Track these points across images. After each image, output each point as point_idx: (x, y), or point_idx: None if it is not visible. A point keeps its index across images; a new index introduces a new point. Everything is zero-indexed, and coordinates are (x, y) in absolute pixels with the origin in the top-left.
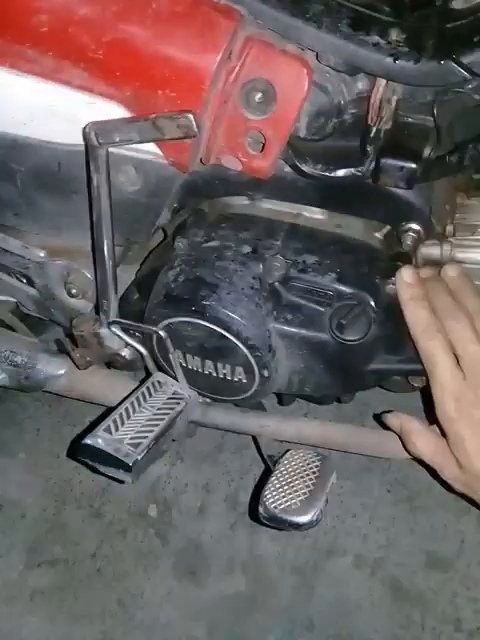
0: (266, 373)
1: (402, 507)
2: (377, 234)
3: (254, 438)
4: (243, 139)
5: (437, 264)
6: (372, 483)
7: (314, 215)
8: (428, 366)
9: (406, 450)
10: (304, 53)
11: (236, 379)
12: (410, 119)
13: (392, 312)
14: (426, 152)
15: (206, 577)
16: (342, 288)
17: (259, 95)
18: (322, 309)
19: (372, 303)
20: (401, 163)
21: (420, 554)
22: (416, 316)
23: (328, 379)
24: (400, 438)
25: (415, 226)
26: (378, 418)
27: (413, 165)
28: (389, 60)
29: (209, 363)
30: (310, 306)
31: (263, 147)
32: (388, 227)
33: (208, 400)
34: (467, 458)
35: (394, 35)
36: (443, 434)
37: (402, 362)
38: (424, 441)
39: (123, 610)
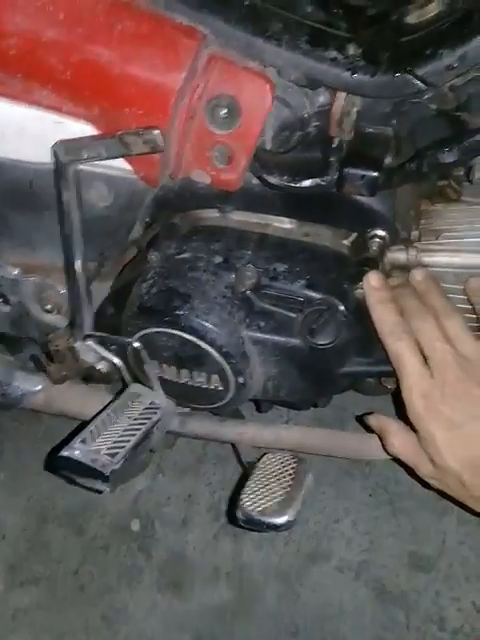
0: (241, 380)
1: (384, 510)
2: (345, 241)
3: (234, 446)
4: (210, 153)
5: (404, 269)
6: (354, 488)
7: (283, 225)
8: (396, 366)
9: (385, 451)
10: (266, 69)
11: (212, 387)
12: (371, 129)
13: (361, 316)
14: (387, 161)
15: (191, 588)
16: (312, 294)
17: (224, 111)
18: (293, 315)
19: (341, 308)
20: (363, 172)
21: (403, 555)
22: (383, 318)
23: (302, 384)
24: (380, 439)
25: (380, 232)
26: (360, 420)
27: (374, 173)
28: (347, 74)
29: (185, 372)
30: (281, 313)
31: (230, 160)
32: (355, 234)
33: (186, 410)
34: (438, 455)
35: (351, 50)
36: (415, 433)
37: (373, 364)
38: (401, 441)
39: (107, 625)
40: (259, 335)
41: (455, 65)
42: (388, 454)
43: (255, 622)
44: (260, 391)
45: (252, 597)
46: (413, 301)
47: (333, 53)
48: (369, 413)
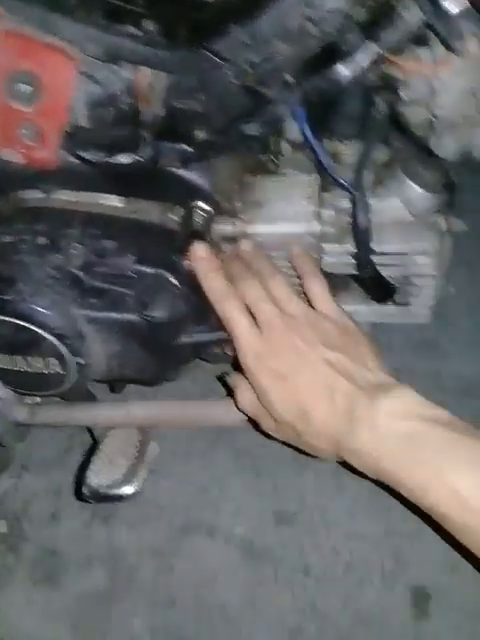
0: (81, 360)
1: (248, 474)
2: (172, 216)
3: (89, 429)
4: (18, 131)
5: (232, 240)
6: (219, 457)
7: (111, 203)
8: (229, 329)
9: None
10: (68, 44)
11: (52, 371)
12: (180, 104)
13: (193, 286)
14: (198, 134)
15: (65, 579)
16: (142, 269)
17: (26, 87)
18: (125, 290)
19: (172, 280)
20: (175, 145)
21: (268, 514)
22: (212, 286)
23: (145, 358)
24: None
25: (202, 205)
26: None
27: (186, 147)
28: (145, 49)
29: (20, 359)
30: (114, 289)
31: (40, 138)
32: (182, 209)
33: (37, 400)
34: (272, 408)
35: (148, 25)
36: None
37: (211, 331)
38: (245, 398)
39: None
40: (93, 313)
41: (248, 42)
42: (238, 414)
43: (132, 602)
44: (105, 371)
45: (128, 578)
46: (240, 267)
47: (130, 28)
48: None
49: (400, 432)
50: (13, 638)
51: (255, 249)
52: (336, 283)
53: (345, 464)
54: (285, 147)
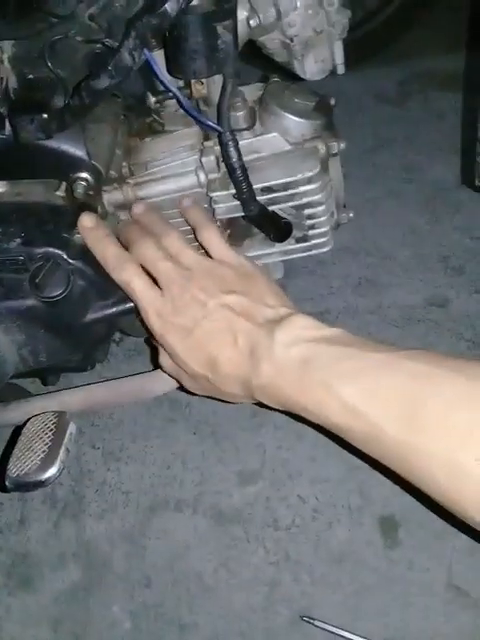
0: None
1: (208, 442)
2: (57, 192)
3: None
4: None
5: (125, 207)
6: (178, 431)
7: None
8: (130, 295)
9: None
10: None
11: None
12: (33, 74)
13: (88, 260)
14: (56, 101)
15: (40, 582)
16: (30, 250)
17: None
18: (19, 276)
19: (64, 256)
20: (30, 116)
21: (232, 477)
22: (105, 254)
23: (56, 342)
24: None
25: (82, 174)
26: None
27: (42, 115)
28: None
29: None
30: (7, 276)
31: None
32: (64, 183)
33: None
34: (184, 364)
35: None
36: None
37: (117, 304)
38: (164, 359)
39: None
40: None
41: None
42: (167, 382)
43: (108, 589)
44: (19, 362)
45: (101, 567)
46: (134, 231)
47: None
48: None
49: (295, 359)
50: None
51: (147, 210)
52: (238, 232)
53: None
54: (151, 100)
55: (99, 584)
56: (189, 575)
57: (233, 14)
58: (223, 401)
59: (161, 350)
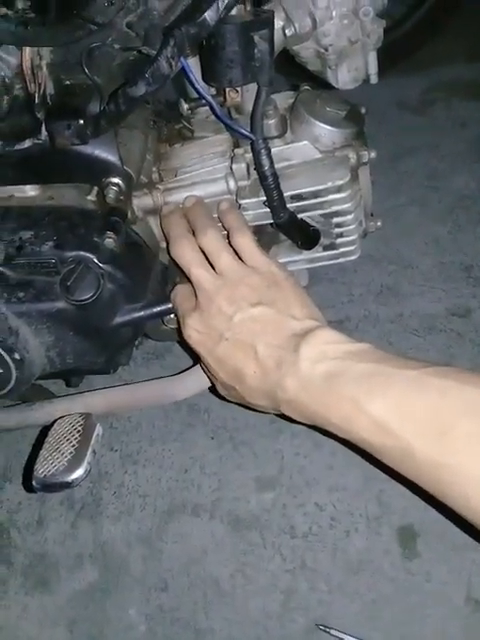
0: (17, 356)
1: (226, 448)
2: (89, 197)
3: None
4: None
5: (154, 212)
6: (196, 436)
7: (26, 193)
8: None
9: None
10: None
11: None
12: (70, 80)
13: (119, 264)
14: (91, 107)
15: (57, 582)
16: (62, 253)
17: None
18: (51, 279)
19: (95, 260)
20: (67, 121)
21: (249, 483)
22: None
23: (83, 345)
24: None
25: (114, 180)
26: None
27: (78, 121)
28: (20, 28)
29: None
30: (39, 279)
31: None
32: (96, 188)
33: None
34: (213, 373)
35: (20, 4)
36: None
37: (145, 308)
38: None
39: None
40: (21, 307)
41: (113, 0)
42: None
43: (125, 591)
44: (47, 363)
45: (118, 569)
46: (175, 225)
47: (2, 9)
48: None
49: (321, 374)
50: None
51: (197, 203)
52: (265, 239)
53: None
54: (184, 107)
55: (116, 586)
56: (206, 580)
57: (270, 24)
58: (252, 409)
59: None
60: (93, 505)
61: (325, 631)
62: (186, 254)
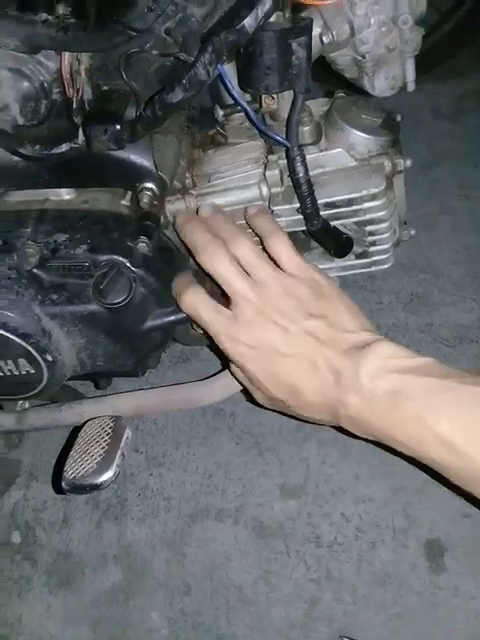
0: (50, 357)
1: (251, 454)
2: (123, 201)
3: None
4: None
5: None
6: (221, 441)
7: (61, 197)
8: (197, 321)
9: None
10: None
11: (23, 372)
12: (107, 85)
13: (151, 268)
14: (128, 112)
15: (81, 582)
16: (96, 257)
17: None
18: (84, 282)
19: (128, 264)
20: (104, 126)
21: (274, 490)
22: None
23: (114, 347)
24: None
25: (148, 185)
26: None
27: (116, 126)
28: (60, 33)
29: None
30: (72, 282)
31: None
32: (130, 192)
33: (25, 405)
34: (262, 388)
35: (61, 9)
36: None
37: (176, 312)
38: (237, 372)
39: None
40: (54, 308)
41: (153, 6)
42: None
43: (148, 593)
44: (77, 365)
45: (142, 572)
46: (200, 234)
47: (43, 15)
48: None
49: (384, 390)
50: None
51: (216, 212)
52: (297, 246)
53: (344, 430)
54: (219, 113)
55: (139, 588)
56: (228, 586)
57: (308, 31)
58: (287, 415)
59: (232, 363)
60: (118, 506)
61: None
62: (222, 265)
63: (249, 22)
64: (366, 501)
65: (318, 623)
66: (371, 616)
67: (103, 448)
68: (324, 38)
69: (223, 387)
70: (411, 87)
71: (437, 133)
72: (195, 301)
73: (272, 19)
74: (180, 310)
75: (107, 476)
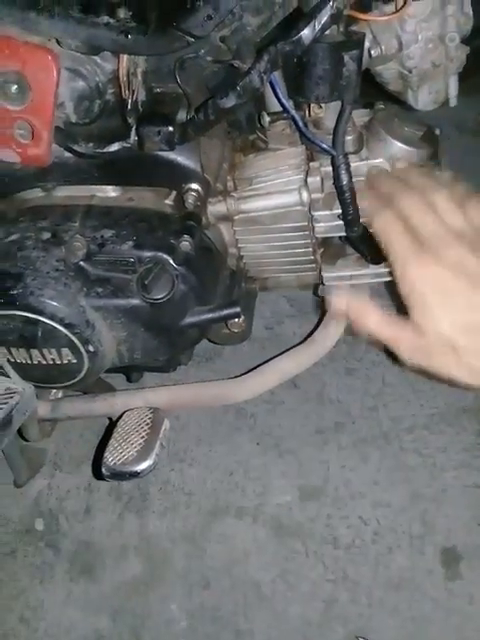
0: (91, 348)
1: (271, 454)
2: (167, 201)
3: (110, 419)
4: (12, 131)
5: (226, 219)
6: (242, 440)
7: (108, 194)
8: (385, 246)
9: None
10: (48, 42)
11: (65, 361)
12: (161, 88)
13: (192, 267)
14: (180, 115)
15: (102, 571)
16: (141, 253)
17: (14, 87)
18: (128, 276)
19: (171, 261)
20: (157, 128)
21: (293, 491)
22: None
23: (153, 342)
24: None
25: (194, 186)
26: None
27: (168, 128)
28: (121, 36)
29: (35, 352)
30: (116, 276)
31: (33, 135)
32: (174, 192)
33: (59, 394)
34: (433, 321)
35: (122, 13)
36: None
37: (214, 310)
38: (378, 318)
39: (25, 625)
40: (99, 301)
41: (212, 15)
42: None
43: (167, 586)
44: (116, 357)
45: (162, 564)
46: (394, 184)
47: (105, 18)
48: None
49: None
50: (55, 634)
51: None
52: (331, 251)
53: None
54: (266, 119)
55: (159, 580)
56: (247, 582)
57: (361, 45)
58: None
59: (372, 307)
60: (139, 499)
61: None
62: (416, 206)
63: (306, 34)
64: (384, 506)
65: (334, 623)
66: (386, 619)
67: (143, 437)
68: (372, 52)
69: (253, 386)
70: (453, 102)
71: (461, 148)
72: (387, 221)
73: (327, 31)
74: (218, 309)
75: (146, 464)
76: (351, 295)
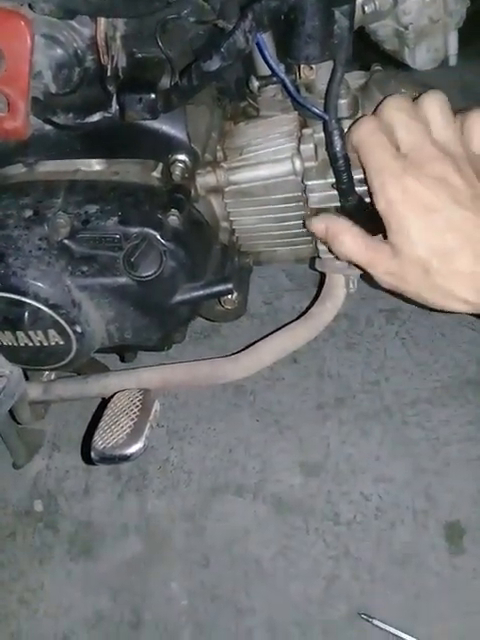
0: (79, 329)
1: (271, 431)
2: (154, 173)
3: (103, 399)
4: None
5: (216, 191)
6: (242, 417)
7: (92, 167)
8: (363, 157)
9: (333, 253)
10: (21, 7)
11: (53, 343)
12: (142, 53)
13: (181, 242)
14: (163, 81)
15: (102, 550)
16: (127, 229)
17: None
18: (114, 254)
19: (158, 237)
20: (139, 95)
21: (294, 467)
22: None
23: (142, 320)
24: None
25: (180, 156)
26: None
27: (150, 95)
28: None
29: (21, 334)
30: (102, 254)
31: (9, 107)
32: (161, 164)
33: (52, 376)
34: (408, 242)
35: None
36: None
37: (205, 287)
38: (352, 238)
39: (26, 607)
40: (84, 280)
41: None
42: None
43: (167, 564)
44: (106, 337)
45: (161, 543)
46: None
47: None
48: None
49: None
50: (55, 614)
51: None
52: None
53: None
54: (254, 84)
55: (158, 559)
56: (247, 560)
57: (353, 0)
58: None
59: (348, 232)
60: (139, 478)
61: (367, 620)
62: (402, 114)
63: None
64: (386, 481)
65: (336, 600)
66: (389, 595)
67: (133, 420)
68: (366, 7)
69: (248, 363)
70: (453, 61)
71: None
72: (367, 132)
73: None
74: (209, 285)
75: (136, 448)
76: (330, 218)
